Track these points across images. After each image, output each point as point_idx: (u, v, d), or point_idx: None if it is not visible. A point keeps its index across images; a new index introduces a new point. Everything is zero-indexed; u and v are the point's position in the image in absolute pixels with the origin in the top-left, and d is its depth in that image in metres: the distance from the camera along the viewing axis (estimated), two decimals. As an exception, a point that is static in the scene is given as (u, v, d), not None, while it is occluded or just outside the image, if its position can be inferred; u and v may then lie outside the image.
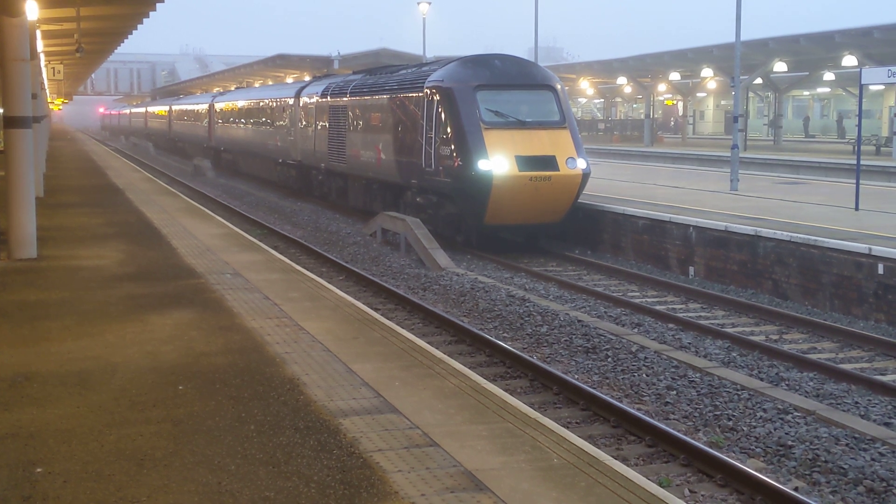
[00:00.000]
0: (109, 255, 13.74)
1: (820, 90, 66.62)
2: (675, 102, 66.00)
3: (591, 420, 9.18)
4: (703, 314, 14.51)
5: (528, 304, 13.92)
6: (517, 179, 18.58)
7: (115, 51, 37.42)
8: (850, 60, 39.39)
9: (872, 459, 8.14)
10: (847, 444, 8.46)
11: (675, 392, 9.99)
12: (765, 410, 9.35)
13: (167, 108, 65.17)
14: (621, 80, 56.94)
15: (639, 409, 9.37)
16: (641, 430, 8.65)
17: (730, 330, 13.28)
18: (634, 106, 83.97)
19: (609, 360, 11.18)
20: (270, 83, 60.53)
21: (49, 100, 50.52)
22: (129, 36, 29.12)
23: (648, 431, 8.56)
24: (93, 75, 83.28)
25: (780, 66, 44.73)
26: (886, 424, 9.23)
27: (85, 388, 7.18)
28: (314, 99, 29.29)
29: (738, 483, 7.49)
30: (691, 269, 17.46)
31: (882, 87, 51.07)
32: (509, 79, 19.82)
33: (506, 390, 9.13)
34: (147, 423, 6.41)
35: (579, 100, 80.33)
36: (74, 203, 21.61)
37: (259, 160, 37.62)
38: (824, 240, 14.79)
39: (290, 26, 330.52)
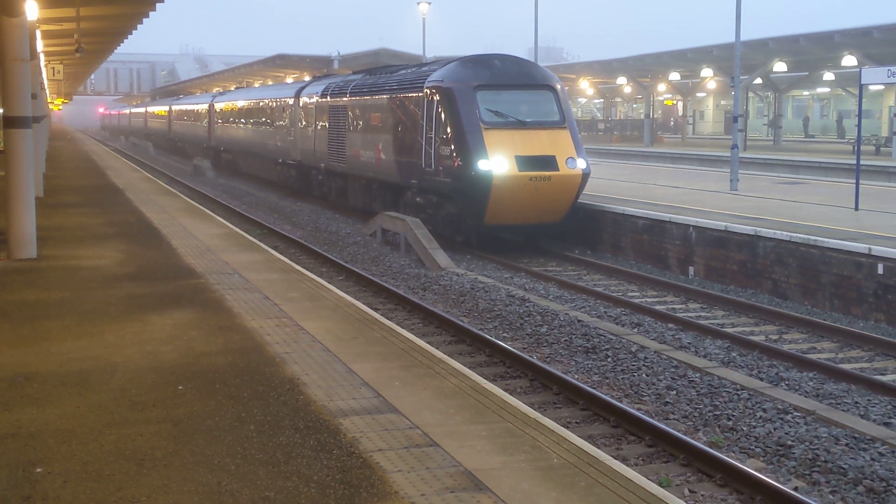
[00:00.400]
0: (109, 255, 13.74)
1: (820, 90, 66.63)
2: (674, 102, 66.02)
3: (591, 420, 9.18)
4: (702, 314, 14.52)
5: (527, 304, 13.92)
6: (517, 179, 18.58)
7: (115, 51, 37.42)
8: (849, 60, 39.40)
9: (872, 459, 8.14)
10: (847, 444, 8.47)
11: (674, 392, 9.99)
12: (764, 410, 9.35)
13: (167, 108, 65.17)
14: (621, 80, 56.95)
15: (638, 409, 9.38)
16: (641, 429, 8.66)
17: (729, 330, 13.28)
18: (634, 106, 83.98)
19: (609, 359, 11.18)
20: (270, 83, 60.54)
21: (49, 100, 50.52)
22: (129, 36, 29.13)
23: (648, 431, 8.57)
24: (92, 75, 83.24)
25: (779, 66, 44.74)
26: (886, 424, 9.23)
27: (85, 388, 7.18)
28: (314, 99, 29.29)
29: (738, 483, 7.49)
30: (691, 269, 17.46)
31: (882, 87, 51.07)
32: (509, 79, 19.82)
33: (506, 390, 9.13)
34: (147, 423, 6.41)
35: (579, 100, 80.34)
36: (74, 203, 21.61)
37: (259, 160, 37.62)
38: (824, 240, 14.79)
39: (289, 26, 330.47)
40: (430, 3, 49.10)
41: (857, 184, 19.94)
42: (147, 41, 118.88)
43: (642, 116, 62.96)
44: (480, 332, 12.05)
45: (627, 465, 7.28)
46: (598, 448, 7.45)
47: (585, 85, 60.51)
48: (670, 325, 13.43)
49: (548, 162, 18.89)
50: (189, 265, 12.92)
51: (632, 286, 16.79)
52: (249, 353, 8.23)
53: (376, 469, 5.62)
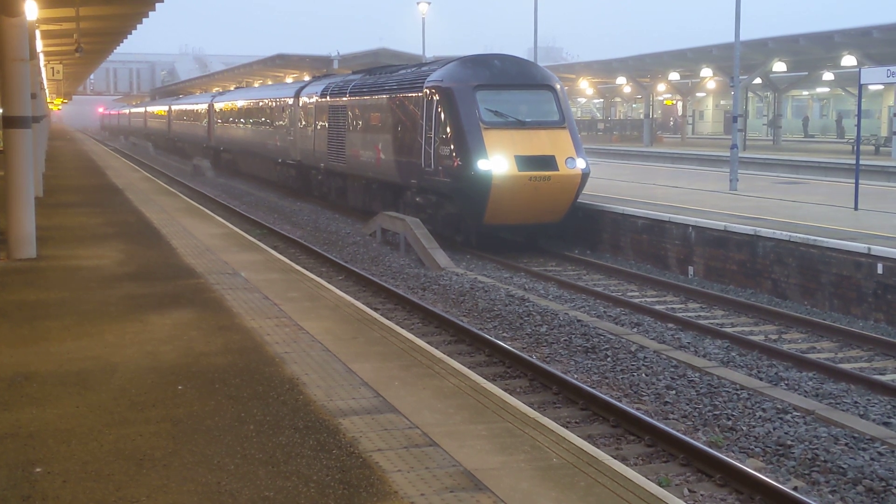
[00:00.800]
0: (109, 255, 13.74)
1: (819, 90, 66.63)
2: (674, 102, 66.00)
3: (591, 420, 9.18)
4: (702, 314, 14.52)
5: (527, 304, 13.92)
6: (516, 179, 18.58)
7: (115, 51, 37.42)
8: (849, 60, 39.40)
9: (871, 459, 8.14)
10: (846, 444, 8.47)
11: (674, 392, 9.99)
12: (764, 410, 9.35)
13: (166, 107, 65.16)
14: (621, 79, 56.96)
15: (638, 409, 9.38)
16: (641, 429, 8.66)
17: (729, 330, 13.29)
18: (634, 106, 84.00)
19: (608, 359, 11.19)
20: (270, 83, 60.53)
21: (48, 100, 50.52)
22: (129, 36, 29.14)
23: (648, 431, 8.57)
24: (92, 75, 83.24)
25: (779, 66, 44.74)
26: (885, 424, 9.23)
27: (84, 388, 7.18)
28: (313, 99, 29.29)
29: (738, 483, 7.49)
30: (690, 269, 17.46)
31: (881, 86, 51.11)
32: (509, 79, 19.82)
33: (505, 390, 9.13)
34: (146, 422, 6.41)
35: (579, 100, 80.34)
36: (74, 203, 21.61)
37: (258, 160, 37.62)
38: (823, 239, 14.80)
39: (289, 26, 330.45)
40: (429, 3, 49.11)
41: (857, 183, 19.95)
42: (147, 41, 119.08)
43: (642, 116, 62.97)
44: (480, 332, 12.05)
45: (627, 465, 7.28)
46: (598, 448, 7.45)
47: (585, 85, 60.52)
48: (670, 325, 13.43)
49: (547, 162, 18.89)
50: (189, 265, 12.92)
51: (631, 286, 16.80)
52: (249, 352, 8.23)
53: (376, 469, 5.62)
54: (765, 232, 15.84)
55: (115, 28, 26.06)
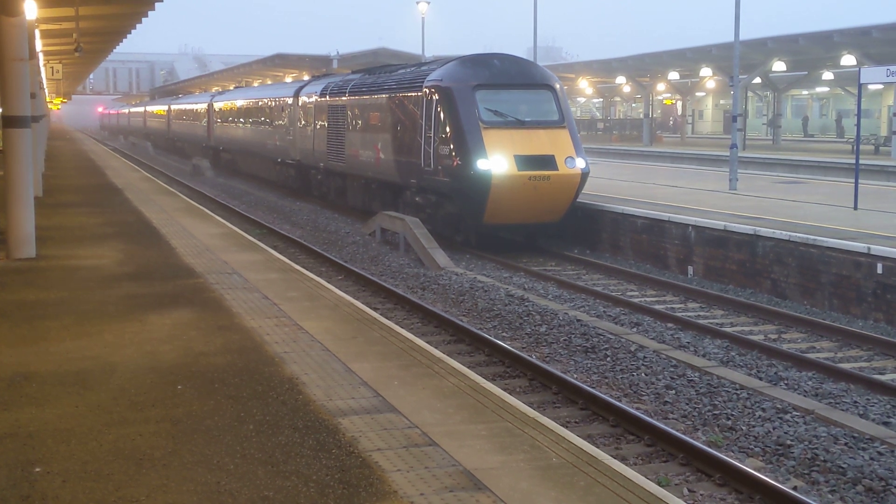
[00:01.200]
0: (108, 255, 13.74)
1: (819, 89, 66.66)
2: (673, 102, 66.01)
3: (590, 419, 9.18)
4: (701, 314, 14.52)
5: (527, 304, 13.92)
6: (516, 179, 18.58)
7: (114, 50, 37.42)
8: (848, 60, 39.39)
9: (871, 459, 8.14)
10: (846, 444, 8.47)
11: (673, 391, 9.99)
12: (763, 410, 9.35)
13: (166, 107, 65.16)
14: (620, 79, 56.96)
15: (638, 409, 9.38)
16: (640, 429, 8.66)
17: (729, 329, 13.29)
18: (633, 105, 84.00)
19: (608, 359, 11.19)
20: (269, 83, 60.53)
21: (48, 99, 50.50)
22: (128, 35, 29.13)
23: (647, 431, 8.57)
24: (91, 75, 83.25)
25: (778, 66, 44.73)
26: (885, 423, 9.23)
27: (84, 388, 7.17)
28: (313, 98, 29.29)
29: (737, 482, 7.49)
30: (690, 269, 17.46)
31: (881, 86, 51.13)
32: (508, 78, 19.82)
33: (505, 390, 9.13)
34: (146, 422, 6.41)
35: (578, 99, 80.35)
36: (73, 203, 21.60)
37: (258, 160, 37.62)
38: (823, 239, 14.80)
39: (289, 26, 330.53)
40: (429, 3, 49.10)
41: (856, 183, 19.95)
42: (146, 41, 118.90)
43: (641, 116, 62.96)
44: (479, 332, 12.05)
45: (626, 465, 7.27)
46: (598, 447, 7.45)
47: (585, 84, 60.52)
48: (669, 325, 13.43)
49: (547, 161, 18.89)
50: (188, 265, 12.92)
51: (631, 286, 16.80)
52: (248, 352, 8.23)
53: (375, 468, 5.61)
54: (764, 232, 15.84)
55: (115, 28, 26.05)
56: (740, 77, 29.83)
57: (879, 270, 13.72)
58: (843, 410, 9.59)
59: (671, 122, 74.27)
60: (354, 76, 27.61)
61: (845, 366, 11.46)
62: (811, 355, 11.92)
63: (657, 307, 14.64)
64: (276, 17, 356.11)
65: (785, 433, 8.71)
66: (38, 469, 5.57)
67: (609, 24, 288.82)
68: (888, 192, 23.91)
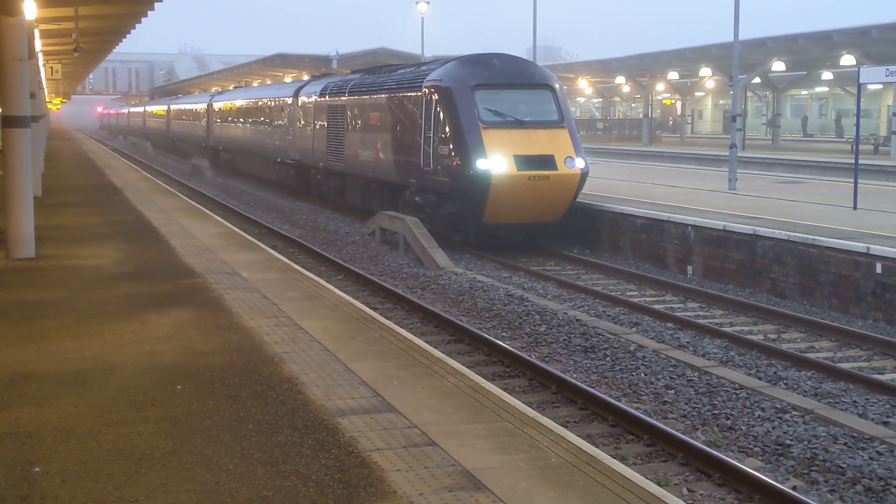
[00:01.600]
0: (108, 255, 13.73)
1: (818, 89, 66.67)
2: (673, 102, 66.02)
3: (590, 419, 9.18)
4: (701, 313, 14.52)
5: (526, 304, 13.92)
6: (515, 179, 18.58)
7: (114, 50, 37.41)
8: (848, 60, 39.39)
9: (870, 458, 8.14)
10: (845, 443, 8.47)
11: (673, 391, 9.99)
12: (763, 409, 9.35)
13: (165, 107, 65.15)
14: (620, 79, 56.96)
15: (637, 409, 9.38)
16: (640, 429, 8.66)
17: (728, 329, 13.29)
18: (633, 105, 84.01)
19: (607, 359, 11.19)
20: (269, 82, 60.52)
21: (47, 99, 50.49)
22: (128, 35, 29.12)
23: (647, 430, 8.57)
24: (91, 75, 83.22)
25: (778, 66, 44.71)
26: (884, 423, 9.23)
27: (83, 388, 7.17)
28: (312, 98, 29.29)
29: (737, 482, 7.49)
30: (689, 269, 17.46)
31: (880, 86, 51.13)
32: (508, 78, 19.82)
33: (504, 389, 9.14)
34: (145, 422, 6.41)
35: (578, 99, 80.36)
36: (73, 202, 21.60)
37: (257, 159, 37.62)
38: (822, 239, 14.80)
39: (288, 26, 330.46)
40: (428, 3, 49.08)
41: (856, 183, 19.95)
42: (146, 41, 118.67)
43: (641, 116, 62.98)
44: (479, 332, 12.05)
45: (626, 465, 7.27)
46: (597, 447, 7.45)
47: (584, 84, 60.51)
48: (669, 325, 13.43)
49: (546, 161, 18.89)
50: (188, 264, 12.91)
51: (630, 285, 16.80)
52: (248, 352, 8.23)
53: (375, 468, 5.61)
54: (764, 231, 15.84)
55: (114, 27, 26.04)
56: (740, 77, 29.82)
57: (879, 270, 13.73)
58: (842, 410, 9.60)
59: (670, 122, 74.27)
60: (354, 76, 27.61)
61: (844, 365, 11.47)
62: (810, 355, 11.92)
63: (656, 307, 14.64)
64: (276, 17, 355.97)
65: (784, 433, 8.72)
66: (37, 469, 5.57)
67: (608, 23, 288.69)
68: (887, 191, 23.91)
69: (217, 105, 45.50)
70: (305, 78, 42.54)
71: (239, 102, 41.13)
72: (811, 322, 13.47)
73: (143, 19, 23.76)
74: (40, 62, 30.72)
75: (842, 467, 7.93)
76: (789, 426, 8.90)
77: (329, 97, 27.48)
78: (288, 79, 57.66)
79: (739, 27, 24.23)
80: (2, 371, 7.62)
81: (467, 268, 17.85)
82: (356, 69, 34.73)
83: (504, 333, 12.56)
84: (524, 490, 5.34)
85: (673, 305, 15.09)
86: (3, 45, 12.98)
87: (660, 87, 58.74)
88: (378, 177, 23.45)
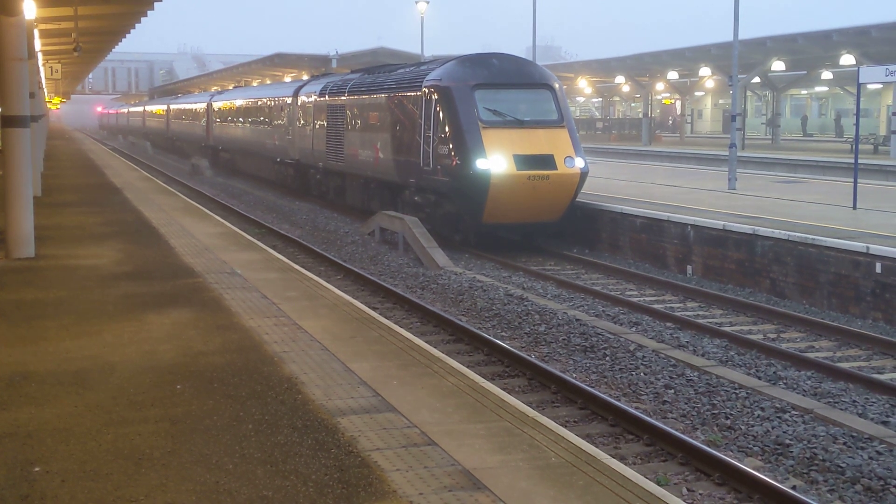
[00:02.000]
0: (107, 255, 13.73)
1: (818, 89, 66.68)
2: (673, 101, 66.01)
3: (589, 419, 9.18)
4: (700, 313, 14.52)
5: (526, 303, 13.92)
6: (515, 178, 18.58)
7: (113, 50, 37.40)
8: (847, 59, 39.41)
9: (870, 458, 8.15)
10: (845, 443, 8.47)
11: (672, 391, 9.99)
12: (762, 409, 9.36)
13: (165, 107, 65.14)
14: (619, 78, 56.96)
15: (637, 408, 9.38)
16: (639, 428, 8.66)
17: (728, 329, 13.29)
18: (632, 105, 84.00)
19: (607, 358, 11.19)
20: (268, 82, 60.51)
21: (47, 99, 50.48)
22: (127, 35, 29.11)
23: (646, 430, 8.57)
24: (90, 74, 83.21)
25: (778, 65, 44.72)
26: (884, 423, 9.24)
27: (83, 388, 7.17)
28: (312, 98, 29.28)
29: (736, 482, 7.49)
30: (689, 268, 17.47)
31: (879, 85, 51.12)
32: (507, 78, 19.82)
33: (504, 389, 9.13)
34: (145, 422, 6.41)
35: (577, 99, 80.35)
36: (72, 202, 21.59)
37: (257, 159, 37.61)
38: (822, 238, 14.80)
39: (288, 26, 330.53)
40: (428, 2, 49.07)
41: (855, 182, 19.95)
42: (145, 40, 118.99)
43: (640, 115, 62.98)
44: (478, 331, 12.05)
45: (625, 464, 7.27)
46: (597, 447, 7.45)
47: (584, 84, 60.51)
48: (668, 324, 13.43)
49: (546, 161, 18.89)
50: (187, 264, 12.91)
51: (630, 285, 16.80)
52: (247, 352, 8.23)
53: (374, 468, 5.61)
54: (763, 231, 15.84)
55: (114, 27, 26.03)
56: (739, 76, 29.82)
57: (878, 270, 13.73)
58: (841, 410, 9.60)
59: (670, 122, 74.26)
60: (353, 76, 27.60)
61: (844, 365, 11.47)
62: (810, 354, 11.92)
63: (656, 306, 14.65)
64: (275, 17, 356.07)
65: (784, 432, 8.72)
66: (37, 468, 5.57)
67: (607, 23, 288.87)
68: (887, 191, 23.91)
69: (216, 105, 45.49)
70: (305, 77, 42.54)
71: (238, 102, 41.13)
72: (811, 322, 13.47)
73: (142, 19, 23.75)
74: (40, 62, 30.71)
75: (841, 467, 7.94)
76: (789, 426, 8.90)
77: (328, 97, 27.47)
78: (287, 78, 57.66)
79: (739, 27, 24.23)
80: (1, 371, 7.62)
81: (467, 267, 17.85)
82: (356, 69, 34.73)
83: (503, 333, 12.56)
84: (524, 490, 5.34)
85: (672, 305, 15.09)
86: (3, 45, 12.97)
87: (659, 86, 58.74)
88: (377, 176, 23.45)
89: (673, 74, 53.04)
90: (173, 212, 19.83)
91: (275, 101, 34.37)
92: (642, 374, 10.58)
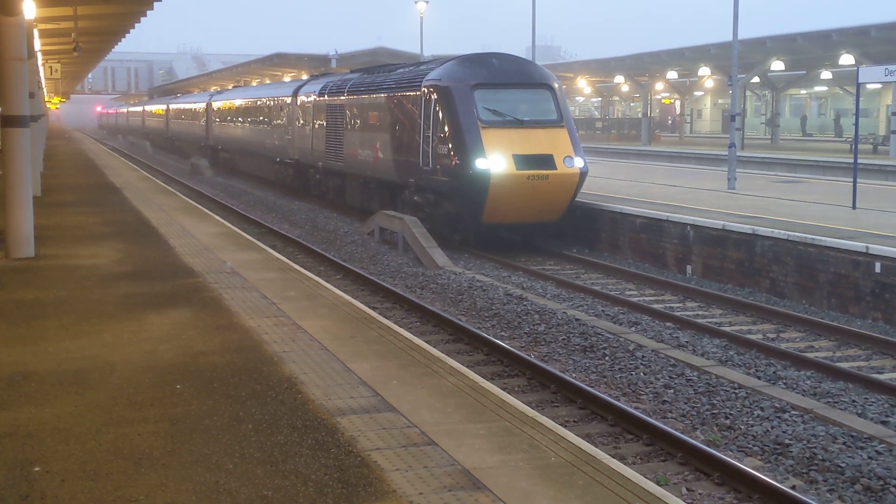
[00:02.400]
0: (107, 254, 13.73)
1: (817, 89, 66.68)
2: (672, 101, 66.01)
3: (589, 419, 9.18)
4: (700, 313, 14.52)
5: (525, 303, 13.92)
6: (515, 178, 18.58)
7: (113, 50, 37.39)
8: (847, 59, 39.41)
9: (869, 458, 8.15)
10: (844, 443, 8.48)
11: (672, 391, 10.00)
12: (762, 409, 9.36)
13: (164, 106, 65.14)
14: (619, 78, 56.96)
15: (636, 408, 9.38)
16: (639, 428, 8.66)
17: (727, 328, 13.29)
18: (632, 104, 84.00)
19: (607, 358, 11.19)
20: (268, 82, 60.49)
21: (46, 99, 50.46)
22: (127, 35, 29.11)
23: (646, 430, 8.57)
24: (90, 74, 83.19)
25: (777, 65, 44.73)
26: (883, 423, 9.24)
27: (82, 388, 7.17)
28: (311, 98, 29.28)
29: (736, 481, 7.49)
30: (689, 268, 17.47)
31: (879, 85, 51.13)
32: (507, 77, 19.82)
33: (503, 389, 9.14)
34: (145, 422, 6.41)
35: (577, 98, 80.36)
36: (72, 202, 21.59)
37: (256, 159, 37.61)
38: (821, 238, 14.80)
39: (287, 25, 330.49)
40: (427, 2, 49.06)
41: (855, 182, 19.96)
42: (145, 40, 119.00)
43: (640, 115, 62.98)
44: (478, 331, 12.05)
45: (625, 464, 7.28)
46: (596, 447, 7.45)
47: (583, 84, 60.51)
48: (668, 324, 13.44)
49: (545, 161, 18.89)
50: (187, 264, 12.91)
51: (629, 285, 16.80)
52: (247, 351, 8.23)
53: (374, 468, 5.62)
54: (763, 231, 15.85)
55: (114, 27, 26.03)
56: (739, 76, 29.83)
57: (878, 270, 13.73)
58: (841, 409, 9.60)
59: (670, 122, 74.28)
60: (353, 75, 27.60)
61: (844, 365, 11.47)
62: (810, 354, 11.93)
63: (656, 306, 14.65)
64: (275, 17, 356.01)
65: (783, 432, 8.72)
66: (37, 468, 5.57)
67: (607, 22, 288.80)
68: (886, 191, 23.92)
69: (216, 104, 45.48)
70: (304, 77, 42.51)
71: (238, 102, 41.12)
72: (810, 321, 13.48)
73: (142, 19, 23.77)
74: (39, 62, 30.70)
75: (841, 466, 7.94)
76: (788, 425, 8.90)
77: (328, 97, 27.47)
78: (287, 78, 57.66)
79: (739, 26, 24.23)
80: (1, 371, 7.62)
81: (466, 267, 17.85)
82: (355, 68, 34.73)
83: (503, 333, 12.56)
84: (523, 489, 5.34)
85: (672, 305, 15.10)
86: (3, 45, 12.97)
87: (659, 86, 58.73)
88: (377, 176, 23.45)
89: (672, 74, 53.04)
90: (173, 211, 19.83)
91: (274, 100, 34.37)
92: (642, 373, 10.58)
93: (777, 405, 9.46)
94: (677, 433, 8.38)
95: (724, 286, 16.25)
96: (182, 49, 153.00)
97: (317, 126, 28.48)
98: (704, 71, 48.48)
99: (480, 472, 5.57)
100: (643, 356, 11.15)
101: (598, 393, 9.53)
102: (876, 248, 13.85)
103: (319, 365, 7.85)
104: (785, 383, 10.53)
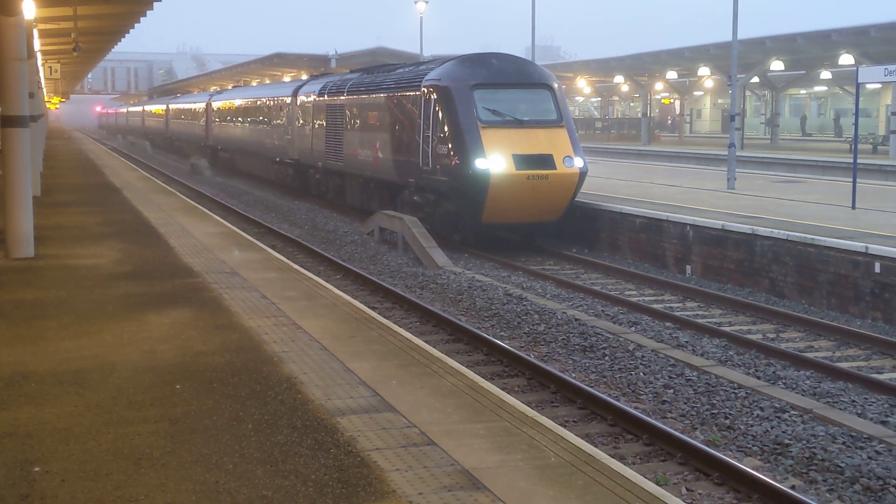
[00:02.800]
0: (107, 254, 13.73)
1: (817, 89, 66.66)
2: (672, 101, 65.99)
3: (589, 419, 9.19)
4: (700, 313, 14.53)
5: (525, 303, 13.92)
6: (514, 178, 18.59)
7: (113, 50, 37.37)
8: (846, 59, 39.39)
9: (869, 458, 8.15)
10: (844, 443, 8.48)
11: (672, 391, 10.00)
12: (762, 409, 9.36)
13: (164, 106, 65.13)
14: (618, 78, 56.94)
15: (636, 408, 9.38)
16: (639, 428, 8.66)
17: (727, 328, 13.30)
18: (631, 104, 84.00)
19: (606, 358, 11.19)
20: (267, 82, 60.49)
21: (46, 99, 50.45)
22: (127, 35, 29.10)
23: (646, 430, 8.57)
24: (90, 74, 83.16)
25: (777, 65, 44.72)
26: (883, 423, 9.24)
27: (82, 388, 7.17)
28: (311, 98, 29.28)
29: (735, 481, 7.50)
30: (688, 268, 17.47)
31: (878, 85, 51.11)
32: (506, 77, 19.83)
33: (503, 389, 9.14)
34: (144, 422, 6.41)
35: (576, 98, 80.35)
36: (71, 202, 21.59)
37: (256, 159, 37.61)
38: (821, 238, 14.81)
39: (287, 25, 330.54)
40: (427, 2, 49.06)
41: (854, 182, 19.96)
42: (144, 40, 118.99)
43: (640, 115, 62.97)
44: (478, 331, 12.05)
45: (625, 464, 7.29)
46: (596, 447, 7.46)
47: (583, 83, 60.50)
48: (668, 324, 13.44)
49: (545, 161, 18.89)
50: (187, 264, 12.91)
51: (629, 285, 16.80)
52: (247, 351, 8.23)
53: (374, 468, 5.62)
54: (762, 231, 15.85)
55: (113, 27, 26.02)
56: (738, 76, 29.83)
57: (877, 269, 13.74)
58: (841, 409, 9.60)
59: (669, 122, 74.27)
60: (353, 75, 27.60)
61: (843, 365, 11.48)
62: (809, 354, 11.93)
63: (655, 306, 14.65)
64: (274, 17, 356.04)
65: (783, 432, 8.72)
66: (36, 468, 5.58)
67: (607, 22, 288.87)
68: (886, 191, 23.93)
69: (216, 104, 45.48)
70: (304, 77, 42.52)
71: (238, 102, 41.12)
72: (810, 321, 13.48)
73: (141, 19, 23.75)
74: (39, 62, 30.69)
75: (840, 466, 7.94)
76: (788, 425, 8.91)
77: (328, 97, 27.47)
78: (287, 78, 57.65)
79: (738, 26, 24.23)
80: (1, 371, 7.62)
81: (466, 267, 17.86)
82: (355, 68, 34.72)
83: (503, 333, 12.56)
84: (523, 489, 5.34)
85: (672, 305, 15.10)
86: (2, 45, 12.98)
87: (658, 86, 58.73)
88: (377, 176, 23.45)
89: (672, 74, 53.03)
90: (173, 211, 19.83)
91: (274, 100, 34.37)
92: (641, 373, 10.59)
93: (777, 405, 9.46)
94: (677, 433, 8.38)
95: (723, 286, 16.25)
96: (182, 49, 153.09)
97: (316, 126, 28.48)
98: (704, 71, 48.47)
99: (480, 472, 5.58)
100: (643, 356, 11.15)
101: (598, 393, 9.53)
102: (875, 248, 13.86)
103: (319, 365, 7.85)
104: (784, 383, 10.54)
